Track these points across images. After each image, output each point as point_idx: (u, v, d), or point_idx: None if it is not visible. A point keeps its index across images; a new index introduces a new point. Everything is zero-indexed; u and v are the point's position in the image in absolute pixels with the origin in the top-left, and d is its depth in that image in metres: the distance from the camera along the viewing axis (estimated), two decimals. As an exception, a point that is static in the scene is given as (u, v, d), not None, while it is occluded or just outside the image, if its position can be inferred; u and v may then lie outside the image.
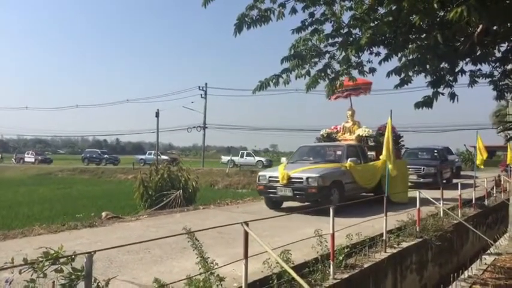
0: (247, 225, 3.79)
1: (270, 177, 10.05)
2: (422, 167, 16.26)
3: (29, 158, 52.93)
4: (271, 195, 9.98)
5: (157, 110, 47.35)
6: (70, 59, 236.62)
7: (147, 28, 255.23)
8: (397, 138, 12.54)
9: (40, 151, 64.04)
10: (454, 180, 15.32)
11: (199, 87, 45.92)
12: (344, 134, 12.82)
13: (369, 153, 12.00)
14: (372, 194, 11.07)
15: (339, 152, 10.92)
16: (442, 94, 4.88)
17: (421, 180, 15.71)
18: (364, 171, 10.69)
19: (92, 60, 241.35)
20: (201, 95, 45.96)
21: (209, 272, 3.91)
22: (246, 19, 5.84)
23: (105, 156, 49.92)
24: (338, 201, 9.32)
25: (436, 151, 18.63)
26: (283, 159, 11.56)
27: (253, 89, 7.60)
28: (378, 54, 5.91)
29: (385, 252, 6.22)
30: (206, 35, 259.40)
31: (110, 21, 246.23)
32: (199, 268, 3.97)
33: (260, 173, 10.57)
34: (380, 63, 5.42)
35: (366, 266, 5.52)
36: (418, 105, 4.95)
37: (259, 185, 10.27)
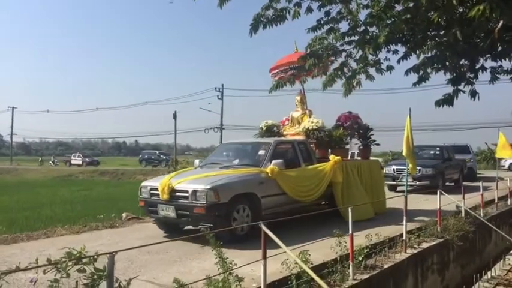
0: (265, 225, 3.80)
1: (152, 189, 7.10)
2: (418, 168, 13.35)
3: (76, 160, 51.47)
4: (153, 214, 7.11)
5: (175, 111, 47.93)
6: (86, 62, 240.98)
7: (159, 32, 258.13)
8: (363, 130, 9.87)
9: (86, 153, 61.90)
10: (473, 184, 13.51)
11: (215, 88, 46.32)
12: (293, 126, 9.71)
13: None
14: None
15: (261, 152, 7.85)
16: (463, 92, 4.79)
17: (417, 183, 13.83)
18: (300, 178, 7.72)
19: (109, 63, 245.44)
20: (218, 96, 46.35)
21: (228, 272, 3.93)
22: (262, 19, 5.86)
23: (164, 157, 46.38)
24: (250, 222, 6.42)
25: (438, 149, 16.33)
26: (196, 162, 8.71)
27: (269, 89, 7.65)
28: (395, 52, 5.85)
29: (406, 252, 6.13)
30: (216, 37, 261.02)
31: (125, 24, 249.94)
32: (218, 268, 4.00)
33: (143, 183, 7.59)
34: (399, 61, 5.36)
35: (386, 266, 5.46)
36: (438, 103, 4.87)
37: (140, 200, 7.37)
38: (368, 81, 6.44)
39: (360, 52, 5.86)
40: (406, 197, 6.44)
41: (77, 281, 2.77)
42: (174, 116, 48.70)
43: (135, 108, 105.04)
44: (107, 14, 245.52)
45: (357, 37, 5.93)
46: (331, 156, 8.48)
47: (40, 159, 57.73)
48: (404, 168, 13.55)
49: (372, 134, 10.01)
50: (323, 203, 8.80)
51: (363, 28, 5.77)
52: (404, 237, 6.25)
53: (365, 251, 5.23)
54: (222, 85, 46.49)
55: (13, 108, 63.68)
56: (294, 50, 9.92)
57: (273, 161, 7.33)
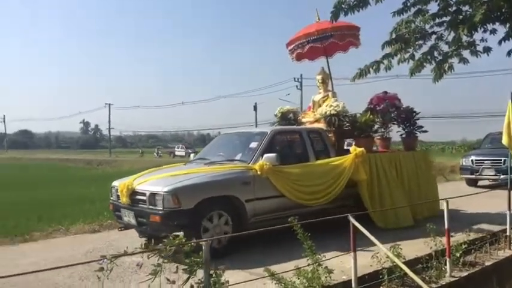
0: (353, 218, 3.75)
1: (117, 190, 5.99)
2: (503, 159, 11.30)
3: (180, 151, 54.09)
4: (120, 220, 6.02)
5: (255, 103, 48.87)
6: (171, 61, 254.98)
7: (239, 26, 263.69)
8: (407, 115, 7.83)
9: (189, 144, 65.53)
10: None
11: (294, 78, 46.01)
12: (314, 111, 7.93)
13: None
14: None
15: (252, 145, 6.38)
16: None
17: (501, 176, 11.39)
18: (303, 177, 6.16)
19: (193, 61, 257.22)
20: (297, 86, 46.05)
21: (317, 263, 3.94)
22: (343, 6, 5.74)
23: None
24: (232, 232, 5.32)
25: None
26: (192, 156, 7.66)
27: (352, 77, 7.36)
28: (493, 31, 5.39)
29: (510, 249, 5.64)
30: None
31: (201, 20, 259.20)
32: (307, 259, 4.02)
33: (113, 183, 6.26)
34: (500, 43, 4.92)
35: (487, 264, 5.07)
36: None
37: (110, 203, 6.29)
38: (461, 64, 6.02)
39: (452, 34, 5.50)
40: (509, 191, 5.90)
41: (177, 266, 2.97)
42: (255, 108, 49.72)
43: (216, 101, 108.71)
44: (190, 8, 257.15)
45: (448, 18, 5.57)
46: (352, 148, 6.73)
47: (141, 151, 61.84)
48: (484, 160, 12.51)
49: (418, 119, 7.94)
50: (352, 205, 6.73)
51: (454, 8, 5.40)
52: (508, 233, 5.75)
53: (463, 246, 4.91)
54: (301, 75, 46.06)
55: (109, 104, 69.22)
56: (315, 19, 8.11)
57: (265, 156, 5.88)
